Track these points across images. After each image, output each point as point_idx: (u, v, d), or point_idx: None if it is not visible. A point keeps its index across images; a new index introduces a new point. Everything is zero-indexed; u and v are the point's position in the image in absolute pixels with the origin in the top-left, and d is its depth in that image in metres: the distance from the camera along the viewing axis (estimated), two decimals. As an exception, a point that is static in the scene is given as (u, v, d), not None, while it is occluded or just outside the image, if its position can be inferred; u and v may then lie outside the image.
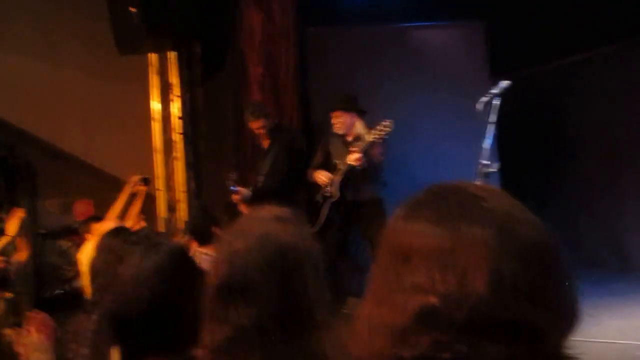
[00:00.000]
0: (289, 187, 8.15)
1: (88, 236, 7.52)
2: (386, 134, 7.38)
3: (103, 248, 4.30)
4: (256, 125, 8.33)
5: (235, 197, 8.10)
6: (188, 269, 2.58)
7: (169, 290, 2.44)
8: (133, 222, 7.04)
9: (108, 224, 6.76)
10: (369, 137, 7.48)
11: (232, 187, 8.03)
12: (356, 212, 7.82)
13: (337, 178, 7.77)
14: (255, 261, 1.83)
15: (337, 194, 7.79)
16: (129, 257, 2.56)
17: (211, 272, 1.91)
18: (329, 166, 8.03)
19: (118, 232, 4.32)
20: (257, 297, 1.80)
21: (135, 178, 7.64)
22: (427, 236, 1.17)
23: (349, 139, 7.94)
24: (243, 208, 8.30)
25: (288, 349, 1.80)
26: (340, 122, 7.94)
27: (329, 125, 8.16)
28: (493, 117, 5.86)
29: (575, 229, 10.37)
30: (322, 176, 7.95)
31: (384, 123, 7.39)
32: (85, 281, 6.69)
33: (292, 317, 1.81)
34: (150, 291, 2.41)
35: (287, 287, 1.82)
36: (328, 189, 7.86)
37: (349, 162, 7.54)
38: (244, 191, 8.13)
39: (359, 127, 7.90)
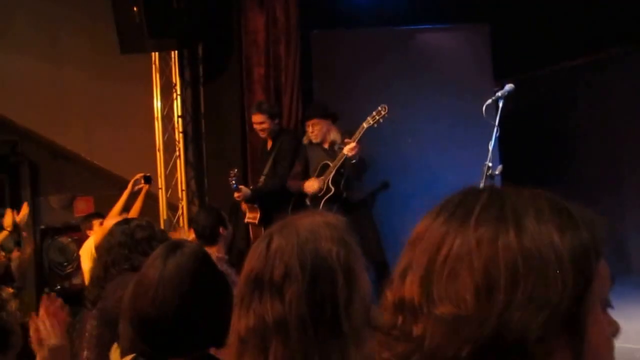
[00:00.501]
0: (286, 191, 8.15)
1: (89, 232, 7.54)
2: (382, 118, 7.37)
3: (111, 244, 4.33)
4: (257, 119, 8.31)
5: (237, 195, 8.10)
6: (210, 270, 2.66)
7: (192, 292, 2.50)
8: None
9: (110, 221, 6.77)
10: (365, 124, 7.46)
11: (234, 185, 8.02)
12: (349, 212, 7.74)
13: (330, 173, 7.74)
14: (290, 260, 1.86)
15: (331, 189, 7.76)
16: (150, 260, 2.62)
17: (247, 260, 1.95)
18: (308, 175, 8.02)
19: (124, 228, 4.35)
20: (284, 294, 1.83)
21: (138, 176, 7.65)
22: (416, 227, 1.21)
23: (326, 145, 7.95)
24: (243, 206, 8.31)
25: (307, 351, 1.82)
26: (318, 129, 7.94)
27: (303, 136, 8.20)
28: (496, 120, 5.89)
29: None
30: (312, 184, 7.91)
31: (379, 108, 7.39)
32: (86, 277, 6.73)
33: (315, 321, 1.83)
34: (174, 293, 2.48)
35: (315, 292, 1.84)
36: (320, 191, 7.81)
37: (344, 153, 7.51)
38: (245, 190, 8.12)
39: (334, 133, 7.91)
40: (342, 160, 7.60)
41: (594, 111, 10.33)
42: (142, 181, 7.80)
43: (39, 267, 9.22)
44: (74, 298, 6.52)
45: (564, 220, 1.13)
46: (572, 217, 1.14)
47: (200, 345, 2.47)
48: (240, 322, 1.88)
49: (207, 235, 5.85)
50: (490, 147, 5.86)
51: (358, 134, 7.48)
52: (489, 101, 5.91)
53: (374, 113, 7.40)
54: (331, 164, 7.73)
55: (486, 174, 5.77)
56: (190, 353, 2.48)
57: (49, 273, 9.21)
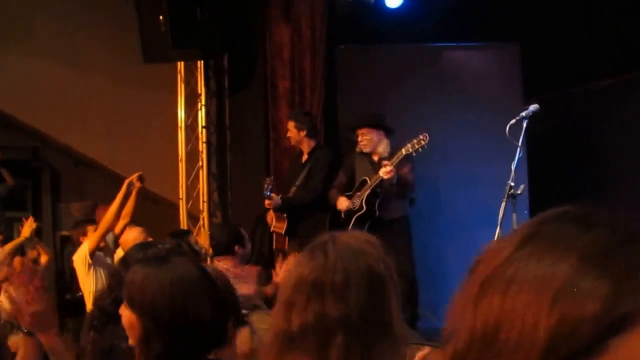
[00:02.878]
0: (320, 203, 8.13)
1: (83, 239, 7.48)
2: (421, 147, 7.29)
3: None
4: (288, 126, 8.35)
5: (267, 202, 8.12)
6: (206, 281, 2.72)
7: (188, 303, 2.58)
8: (126, 220, 7.01)
9: (104, 225, 6.73)
10: (404, 150, 7.34)
11: (267, 192, 8.05)
12: (381, 231, 7.63)
13: (366, 191, 7.68)
14: (352, 269, 2.09)
15: (363, 207, 7.71)
16: (147, 271, 2.70)
17: (297, 269, 2.16)
18: (352, 187, 7.92)
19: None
20: (347, 298, 2.06)
21: (131, 178, 7.49)
22: None
23: (375, 158, 7.80)
24: (270, 215, 8.29)
25: (365, 346, 2.04)
26: (367, 139, 7.77)
27: (354, 145, 8.02)
28: (522, 140, 5.84)
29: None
30: (343, 203, 7.84)
31: (420, 136, 7.26)
32: (81, 283, 6.68)
33: (374, 324, 2.06)
34: (171, 303, 2.57)
35: (372, 299, 2.08)
36: (355, 205, 7.77)
37: (380, 175, 7.44)
38: (276, 198, 8.12)
39: (384, 146, 7.76)
40: (377, 181, 7.54)
41: (628, 133, 10.20)
42: (137, 181, 7.57)
43: (60, 274, 9.21)
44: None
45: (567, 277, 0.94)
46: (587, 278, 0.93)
47: (199, 353, 2.55)
48: (292, 322, 2.05)
49: (220, 250, 5.85)
50: (513, 167, 5.81)
51: (396, 159, 7.37)
52: (513, 121, 5.87)
53: (414, 141, 7.27)
54: (369, 182, 7.68)
55: (508, 194, 5.72)
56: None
57: (70, 279, 9.19)
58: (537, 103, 6.02)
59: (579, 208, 1.06)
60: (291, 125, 8.31)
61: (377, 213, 7.67)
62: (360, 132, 7.84)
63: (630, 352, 0.88)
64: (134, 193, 7.35)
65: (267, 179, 8.21)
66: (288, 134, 8.37)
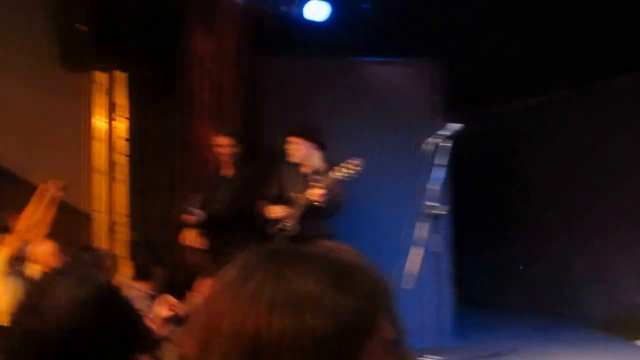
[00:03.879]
0: (243, 219, 7.99)
1: None
2: (355, 174, 7.13)
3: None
4: (223, 142, 8.16)
5: (188, 218, 7.99)
6: (116, 304, 2.54)
7: (94, 325, 2.39)
8: (43, 230, 6.83)
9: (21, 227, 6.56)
10: (335, 174, 7.20)
11: (191, 208, 7.93)
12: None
13: (297, 212, 7.56)
14: None
15: (297, 229, 7.58)
16: (54, 289, 2.48)
17: None
18: (282, 198, 7.80)
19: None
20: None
21: (49, 183, 7.24)
22: None
23: (304, 169, 7.69)
24: (189, 229, 8.14)
25: None
26: (295, 149, 7.68)
27: (283, 154, 7.89)
28: (442, 159, 5.82)
29: (526, 272, 10.40)
30: (278, 210, 7.72)
31: (354, 162, 7.10)
32: None
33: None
34: (74, 325, 2.36)
35: None
36: (287, 223, 7.64)
37: (311, 198, 7.33)
38: (200, 213, 7.98)
39: (317, 160, 7.65)
40: (307, 203, 7.42)
41: (548, 152, 10.37)
42: (59, 191, 7.31)
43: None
44: None
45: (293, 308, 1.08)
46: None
47: None
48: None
49: (140, 272, 5.87)
50: (434, 187, 5.79)
51: (328, 182, 7.25)
52: (431, 139, 5.86)
53: (348, 165, 7.12)
54: (297, 198, 7.55)
55: (428, 214, 5.69)
56: None
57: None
58: (460, 121, 6.03)
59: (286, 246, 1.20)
60: (230, 141, 8.15)
61: (307, 233, 7.56)
62: (290, 140, 7.74)
63: None
64: (53, 203, 7.15)
65: (194, 194, 8.10)
66: (228, 150, 8.20)
